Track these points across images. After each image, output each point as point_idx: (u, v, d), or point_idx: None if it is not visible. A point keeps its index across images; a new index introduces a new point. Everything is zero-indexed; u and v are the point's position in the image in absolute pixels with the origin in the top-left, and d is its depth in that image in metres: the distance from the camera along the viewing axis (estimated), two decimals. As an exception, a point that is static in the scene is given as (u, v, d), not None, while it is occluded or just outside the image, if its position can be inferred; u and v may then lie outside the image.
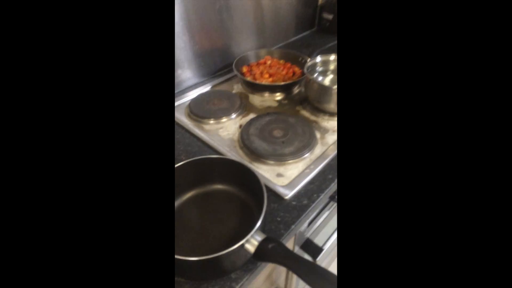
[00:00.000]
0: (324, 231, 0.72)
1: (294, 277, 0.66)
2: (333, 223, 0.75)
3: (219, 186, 0.53)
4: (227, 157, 0.51)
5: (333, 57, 0.75)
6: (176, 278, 0.42)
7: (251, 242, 0.39)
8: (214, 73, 0.91)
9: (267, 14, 0.98)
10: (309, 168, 0.58)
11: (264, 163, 0.59)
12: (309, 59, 0.75)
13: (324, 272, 0.33)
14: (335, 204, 0.68)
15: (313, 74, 0.75)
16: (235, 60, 0.86)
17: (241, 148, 0.63)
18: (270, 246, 0.37)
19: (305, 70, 0.71)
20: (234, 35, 0.91)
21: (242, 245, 0.38)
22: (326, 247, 0.66)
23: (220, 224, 0.48)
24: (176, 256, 0.36)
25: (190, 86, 0.85)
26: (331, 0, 1.09)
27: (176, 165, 0.47)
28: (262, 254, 0.37)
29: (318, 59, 0.75)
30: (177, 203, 0.51)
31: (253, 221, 0.47)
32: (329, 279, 0.31)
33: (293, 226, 0.49)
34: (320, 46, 1.07)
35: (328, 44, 1.05)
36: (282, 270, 0.64)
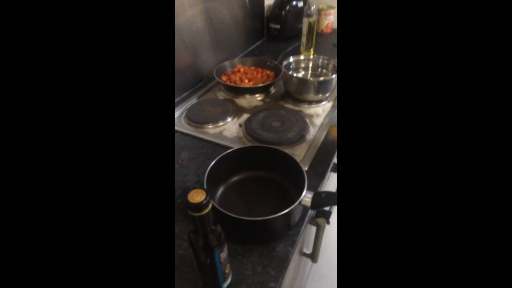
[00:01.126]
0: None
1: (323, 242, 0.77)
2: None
3: (255, 172, 0.61)
4: (265, 146, 0.60)
5: (302, 57, 0.91)
6: (245, 246, 0.49)
7: (305, 200, 0.49)
8: (188, 89, 0.97)
9: (220, 33, 1.06)
10: (312, 146, 0.71)
11: (274, 149, 0.70)
12: (278, 60, 0.89)
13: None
14: (333, 174, 0.82)
15: (288, 72, 0.88)
16: (215, 71, 0.94)
17: (250, 141, 0.72)
18: (323, 195, 0.47)
19: (283, 68, 0.84)
20: (198, 53, 0.98)
21: (300, 202, 0.48)
22: (333, 210, 0.79)
23: (261, 202, 0.57)
24: (247, 218, 0.44)
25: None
26: (276, 12, 1.27)
27: (222, 154, 0.55)
28: (318, 203, 0.47)
29: (291, 59, 0.90)
30: (223, 186, 0.58)
31: (288, 196, 0.56)
32: None
33: (319, 188, 0.60)
34: (274, 52, 1.23)
35: (286, 48, 1.22)
36: (310, 241, 0.74)
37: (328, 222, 0.74)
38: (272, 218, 0.44)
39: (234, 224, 0.46)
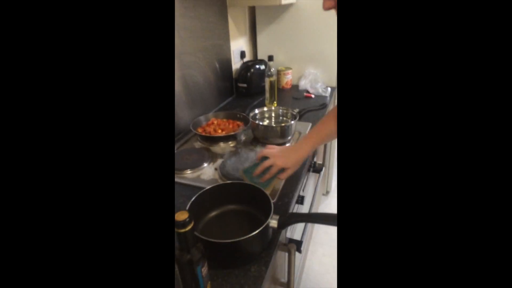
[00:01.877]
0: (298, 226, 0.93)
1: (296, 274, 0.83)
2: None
3: (230, 206, 0.69)
4: (237, 181, 0.70)
5: (266, 108, 1.08)
6: (224, 270, 0.55)
7: (272, 222, 0.58)
8: (171, 139, 1.08)
9: (195, 93, 1.22)
10: (279, 181, 0.82)
11: (246, 186, 0.80)
12: (246, 112, 1.05)
13: (325, 214, 0.55)
14: (299, 205, 0.92)
15: (255, 121, 1.04)
16: (191, 124, 1.07)
17: (226, 181, 0.82)
18: (287, 215, 0.57)
19: (250, 119, 0.99)
20: (176, 111, 1.11)
21: (268, 224, 0.57)
22: (304, 239, 0.87)
23: (237, 230, 0.64)
24: (224, 241, 0.52)
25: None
26: (242, 73, 1.49)
27: (201, 191, 0.63)
28: (284, 223, 0.57)
29: (257, 111, 1.06)
30: (203, 221, 0.66)
31: (260, 223, 0.65)
32: (330, 216, 0.54)
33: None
34: (243, 106, 1.40)
35: (253, 102, 1.41)
36: (285, 270, 0.80)
37: (299, 251, 0.82)
38: (244, 239, 0.52)
39: (213, 249, 0.53)
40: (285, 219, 0.57)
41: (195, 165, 0.90)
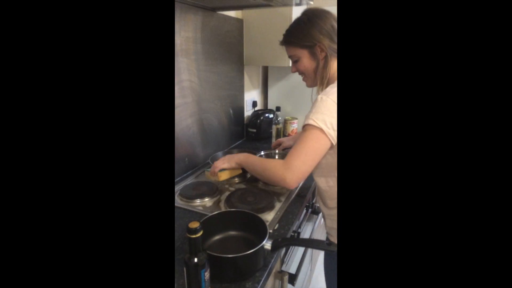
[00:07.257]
0: (294, 260, 1.00)
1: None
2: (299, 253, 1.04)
3: (231, 232, 0.79)
4: (239, 210, 0.81)
5: (271, 151, 1.23)
6: (223, 284, 0.64)
7: (266, 245, 0.67)
8: (185, 172, 1.22)
9: (209, 134, 1.40)
10: (278, 212, 0.92)
11: (248, 217, 0.90)
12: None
13: (314, 240, 0.65)
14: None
15: (260, 162, 1.17)
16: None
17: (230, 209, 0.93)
18: (279, 240, 0.67)
19: (256, 159, 1.13)
20: (193, 148, 1.29)
21: (263, 245, 0.66)
22: (300, 274, 0.93)
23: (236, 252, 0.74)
24: (225, 255, 0.61)
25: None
26: (253, 120, 1.67)
27: (205, 217, 0.74)
28: (276, 246, 0.66)
29: (262, 152, 1.20)
30: (207, 244, 0.75)
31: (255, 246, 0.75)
32: (319, 242, 0.64)
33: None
34: (251, 148, 1.55)
35: (261, 146, 1.56)
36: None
37: (292, 283, 0.89)
38: (242, 255, 0.62)
39: (215, 263, 0.62)
40: (277, 243, 0.67)
41: (205, 195, 1.02)
